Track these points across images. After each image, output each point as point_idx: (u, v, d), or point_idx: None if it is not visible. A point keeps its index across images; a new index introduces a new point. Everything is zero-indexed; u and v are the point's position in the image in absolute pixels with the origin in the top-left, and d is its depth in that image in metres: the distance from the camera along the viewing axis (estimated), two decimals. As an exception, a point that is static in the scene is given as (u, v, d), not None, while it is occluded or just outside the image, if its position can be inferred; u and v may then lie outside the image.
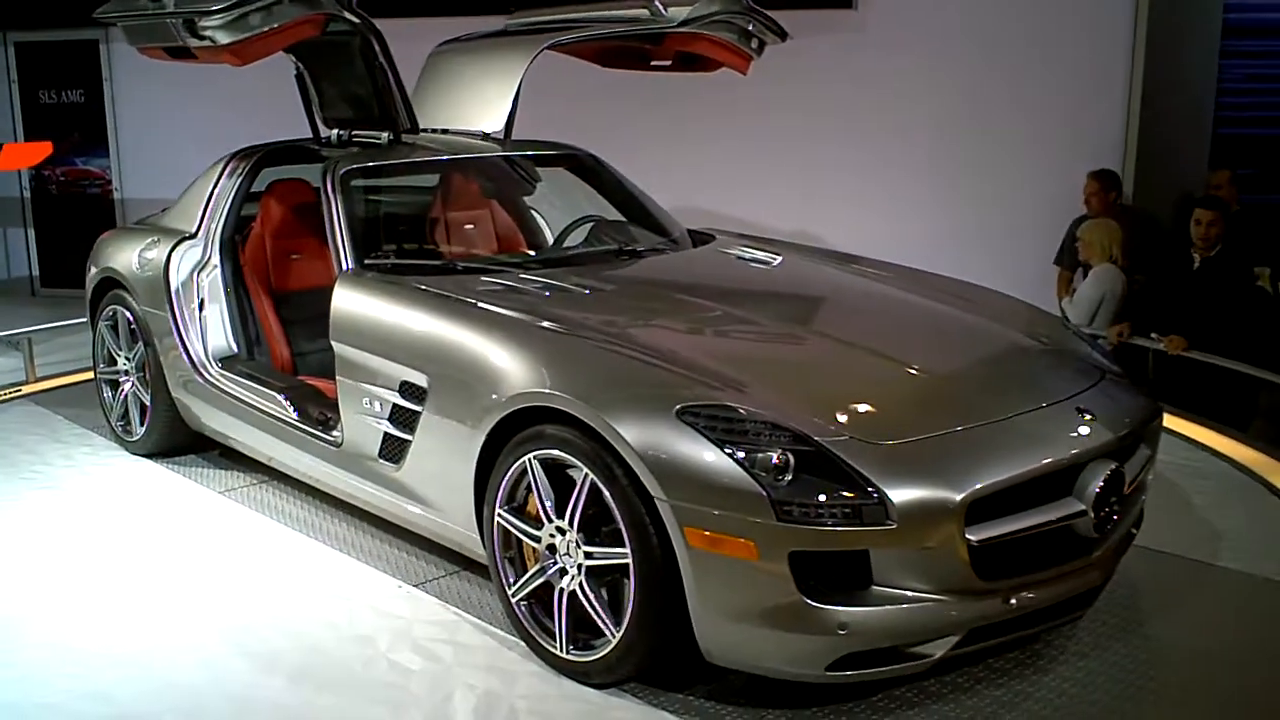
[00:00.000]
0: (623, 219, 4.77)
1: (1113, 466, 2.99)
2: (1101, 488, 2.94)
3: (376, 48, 4.31)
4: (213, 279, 4.58)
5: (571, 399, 2.94)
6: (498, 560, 3.22)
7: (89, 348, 5.21)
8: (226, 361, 4.51)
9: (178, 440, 4.80)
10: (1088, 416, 3.08)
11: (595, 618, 2.96)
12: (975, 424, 2.95)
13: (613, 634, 2.92)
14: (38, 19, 8.83)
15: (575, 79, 6.14)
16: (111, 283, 4.86)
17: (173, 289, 4.53)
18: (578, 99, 6.71)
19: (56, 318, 6.81)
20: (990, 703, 2.94)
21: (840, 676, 2.78)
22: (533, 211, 5.22)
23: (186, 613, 3.48)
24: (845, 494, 2.67)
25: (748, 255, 4.38)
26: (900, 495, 2.68)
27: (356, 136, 4.68)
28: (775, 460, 2.68)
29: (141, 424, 4.83)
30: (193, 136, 8.29)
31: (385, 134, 4.51)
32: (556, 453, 2.99)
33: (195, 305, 4.55)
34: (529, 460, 3.06)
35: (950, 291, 3.99)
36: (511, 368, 3.15)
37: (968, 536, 2.74)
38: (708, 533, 2.71)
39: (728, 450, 2.71)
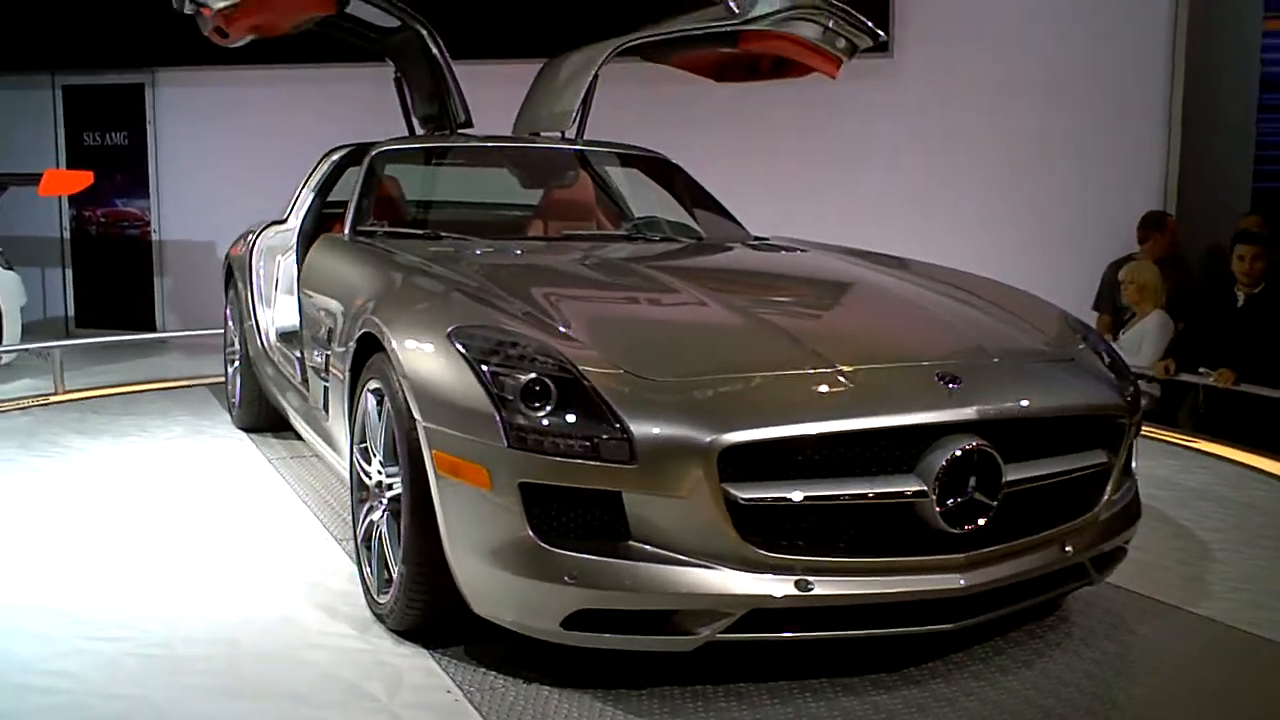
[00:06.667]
0: (688, 220, 4.62)
1: (972, 442, 2.44)
2: (948, 465, 2.41)
3: (431, 44, 4.53)
4: (290, 262, 4.93)
5: (376, 321, 2.87)
6: (352, 501, 3.17)
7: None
8: (286, 336, 4.81)
9: (266, 415, 5.11)
10: (950, 385, 2.54)
11: (388, 555, 2.83)
12: (778, 372, 2.54)
13: (394, 573, 2.77)
14: (86, 61, 9.07)
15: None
16: (231, 269, 5.37)
17: (254, 268, 4.93)
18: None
19: (89, 358, 7.14)
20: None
21: (581, 638, 2.46)
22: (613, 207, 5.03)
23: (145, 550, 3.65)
24: (586, 425, 2.39)
25: (770, 247, 4.07)
26: (644, 432, 2.36)
27: (437, 133, 4.90)
28: (529, 385, 2.44)
29: (239, 398, 5.25)
30: (232, 180, 8.67)
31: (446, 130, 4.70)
32: (376, 384, 2.91)
33: (273, 285, 4.92)
34: (364, 393, 3.01)
35: (954, 284, 3.45)
36: (366, 304, 3.12)
37: (731, 492, 2.35)
38: (451, 457, 2.53)
39: (481, 369, 2.52)
